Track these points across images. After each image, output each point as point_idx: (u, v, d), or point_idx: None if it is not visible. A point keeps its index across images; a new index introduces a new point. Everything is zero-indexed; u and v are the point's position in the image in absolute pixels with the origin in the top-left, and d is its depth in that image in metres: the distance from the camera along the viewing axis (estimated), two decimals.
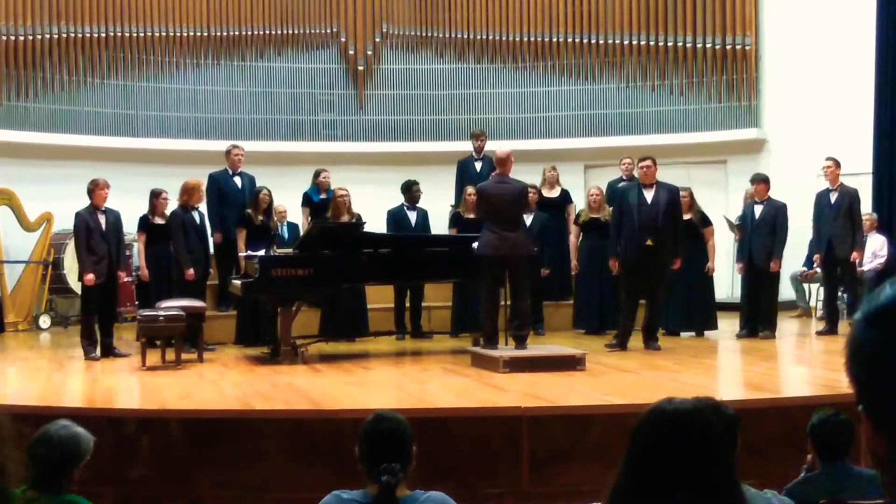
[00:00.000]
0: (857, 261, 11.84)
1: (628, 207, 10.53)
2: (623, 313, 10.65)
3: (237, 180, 12.18)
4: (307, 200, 12.57)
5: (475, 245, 10.11)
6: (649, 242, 10.39)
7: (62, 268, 13.99)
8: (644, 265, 10.42)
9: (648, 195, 10.52)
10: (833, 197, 11.64)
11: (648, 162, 10.65)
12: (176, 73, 16.12)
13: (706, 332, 11.77)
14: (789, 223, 11.62)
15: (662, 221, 10.49)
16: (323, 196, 12.30)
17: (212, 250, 11.88)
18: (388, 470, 3.47)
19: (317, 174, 12.72)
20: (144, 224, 11.58)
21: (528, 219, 12.09)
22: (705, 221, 11.90)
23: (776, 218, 11.43)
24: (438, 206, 12.85)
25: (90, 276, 10.24)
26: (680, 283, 11.69)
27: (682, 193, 11.91)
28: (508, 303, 9.76)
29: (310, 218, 12.11)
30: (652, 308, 10.57)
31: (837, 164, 11.70)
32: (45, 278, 14.11)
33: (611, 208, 11.62)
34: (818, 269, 12.88)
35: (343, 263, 10.07)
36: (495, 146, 10.80)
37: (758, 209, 11.52)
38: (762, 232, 11.41)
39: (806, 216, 12.21)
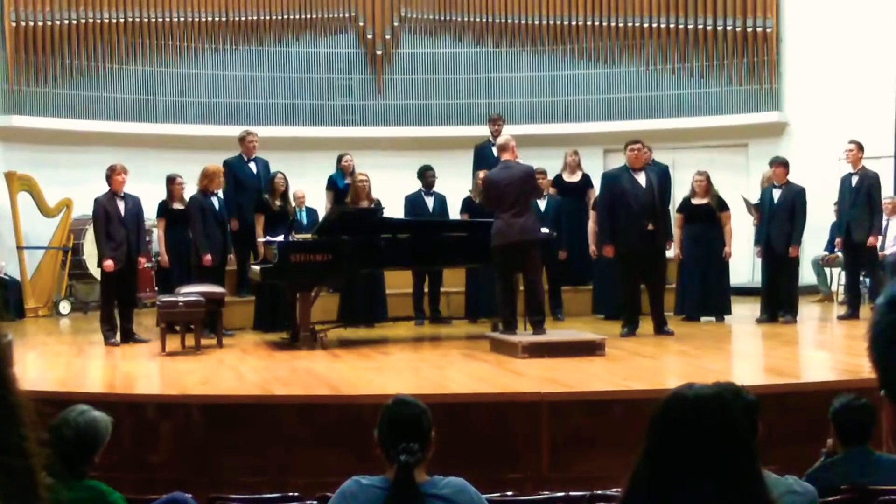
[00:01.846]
0: (876, 245, 11.70)
1: (621, 193, 10.39)
2: (623, 300, 10.57)
3: (252, 166, 12.18)
4: (332, 184, 12.57)
5: None
6: (650, 227, 10.33)
7: (82, 253, 14.03)
8: (643, 250, 10.35)
9: (640, 179, 10.41)
10: (854, 180, 11.53)
11: (639, 145, 10.51)
12: (194, 58, 16.12)
13: (724, 317, 11.70)
14: (810, 207, 11.52)
15: (659, 205, 10.43)
16: (348, 181, 12.29)
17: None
18: (407, 450, 3.46)
19: (339, 158, 12.72)
20: (164, 210, 11.59)
21: (543, 203, 12.08)
22: (722, 206, 11.80)
23: (795, 202, 11.33)
24: (457, 192, 12.82)
25: (109, 263, 10.26)
26: (696, 267, 11.64)
27: (698, 177, 11.86)
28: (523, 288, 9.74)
29: (334, 202, 12.12)
30: (657, 293, 10.50)
31: (860, 148, 11.57)
32: (64, 264, 14.16)
33: None
34: (839, 254, 12.80)
35: (362, 249, 10.06)
36: (509, 132, 10.74)
37: (776, 193, 11.42)
38: (781, 216, 11.30)
39: (827, 200, 12.13)
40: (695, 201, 11.76)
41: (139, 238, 10.71)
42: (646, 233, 10.30)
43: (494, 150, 12.79)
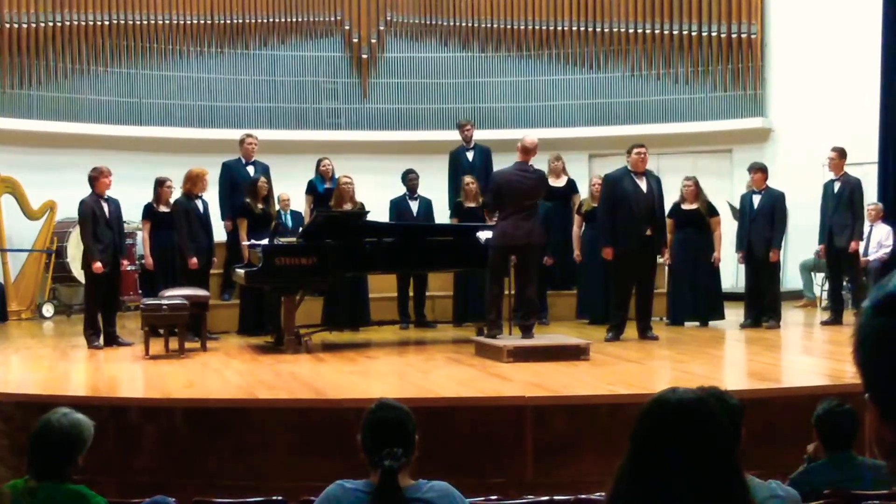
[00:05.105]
0: (858, 250, 11.73)
1: (623, 196, 10.38)
2: (615, 303, 10.57)
3: (250, 169, 12.14)
4: (311, 189, 12.55)
5: (480, 235, 10.11)
6: (649, 232, 10.34)
7: (65, 256, 13.98)
8: (641, 255, 10.36)
9: (641, 184, 10.41)
10: (836, 186, 11.57)
11: (644, 149, 10.51)
12: (179, 61, 16.10)
13: (712, 322, 11.72)
14: (795, 212, 11.52)
15: (658, 211, 10.46)
16: (328, 185, 12.27)
17: (224, 238, 11.87)
18: (391, 454, 3.45)
19: (318, 163, 12.70)
20: (149, 212, 11.53)
21: None
22: (712, 211, 11.82)
23: (775, 207, 11.37)
24: (442, 196, 12.83)
25: (98, 265, 10.21)
26: (686, 272, 11.66)
27: (687, 182, 11.88)
28: (512, 292, 9.73)
29: (312, 206, 12.10)
30: (647, 297, 10.52)
31: (841, 155, 11.61)
32: (48, 267, 14.12)
33: None
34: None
35: (347, 252, 10.05)
36: (524, 133, 10.66)
37: (756, 198, 11.46)
38: (761, 221, 11.34)
39: (812, 205, 12.16)
40: (684, 207, 11.77)
41: (122, 240, 10.71)
42: (645, 238, 10.32)
43: (469, 154, 12.91)
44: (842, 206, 11.45)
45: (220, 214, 11.95)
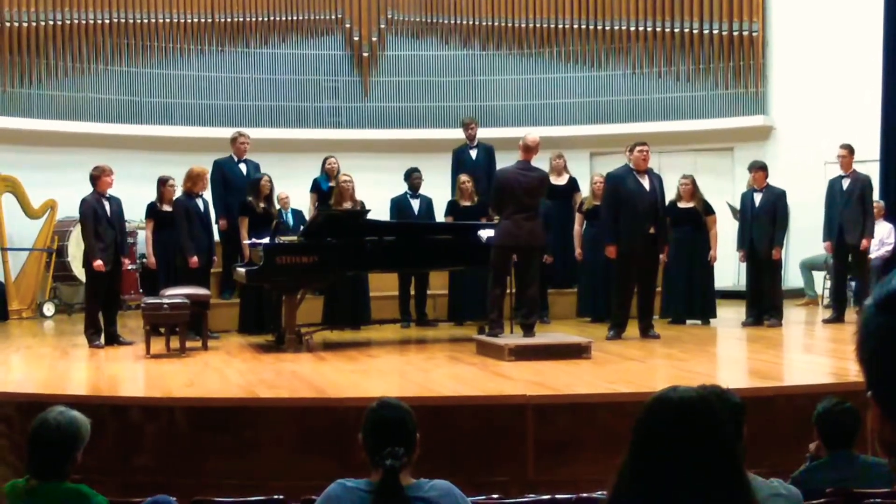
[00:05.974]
0: (868, 248, 11.70)
1: (626, 194, 10.37)
2: (617, 302, 10.56)
3: (242, 167, 12.15)
4: (315, 187, 12.56)
5: (481, 233, 10.11)
6: (651, 231, 10.34)
7: (66, 255, 13.97)
8: (644, 254, 10.35)
9: (644, 182, 10.39)
10: (845, 183, 11.52)
11: (646, 147, 10.49)
12: (180, 59, 16.08)
13: (710, 321, 11.71)
14: (796, 210, 11.48)
15: (661, 209, 10.45)
16: (332, 183, 12.27)
17: (217, 237, 11.85)
18: (392, 454, 3.45)
19: (324, 161, 12.72)
20: (152, 211, 11.50)
21: None
22: (708, 209, 11.83)
23: (776, 205, 11.35)
24: (444, 194, 12.82)
25: (99, 263, 10.19)
26: (681, 271, 11.66)
27: (683, 181, 11.88)
28: (513, 290, 9.72)
29: (317, 205, 12.10)
30: (648, 296, 10.51)
31: (851, 152, 11.58)
32: (48, 266, 14.10)
33: None
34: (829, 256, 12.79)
35: (348, 251, 10.04)
36: (526, 132, 10.62)
37: (757, 197, 11.44)
38: (763, 220, 11.32)
39: (813, 203, 12.16)
40: (680, 205, 11.78)
41: (123, 239, 10.70)
42: (648, 236, 10.31)
43: (473, 152, 12.89)
44: (852, 202, 11.42)
45: (214, 213, 11.92)
